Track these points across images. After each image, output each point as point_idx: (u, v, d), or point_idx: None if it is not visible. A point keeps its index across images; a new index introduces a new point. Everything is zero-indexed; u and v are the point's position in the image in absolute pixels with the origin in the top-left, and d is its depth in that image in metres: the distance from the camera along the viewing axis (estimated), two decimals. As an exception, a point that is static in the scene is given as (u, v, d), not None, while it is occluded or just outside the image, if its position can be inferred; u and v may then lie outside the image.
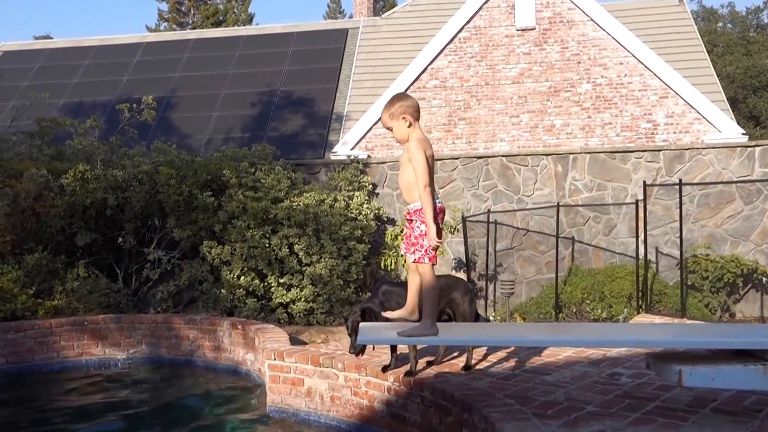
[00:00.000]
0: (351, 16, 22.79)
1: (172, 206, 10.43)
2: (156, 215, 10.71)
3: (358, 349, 5.46)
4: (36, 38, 30.67)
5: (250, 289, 9.84)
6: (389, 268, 10.37)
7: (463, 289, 5.89)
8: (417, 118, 4.41)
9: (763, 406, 4.24)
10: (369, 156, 12.29)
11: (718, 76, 15.43)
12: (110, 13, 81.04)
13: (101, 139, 11.86)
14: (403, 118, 4.37)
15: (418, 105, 4.45)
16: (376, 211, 11.02)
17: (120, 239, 10.61)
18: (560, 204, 10.64)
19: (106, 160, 11.17)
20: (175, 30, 35.76)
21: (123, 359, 9.03)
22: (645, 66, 13.53)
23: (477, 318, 6.02)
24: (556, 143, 13.27)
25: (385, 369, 5.68)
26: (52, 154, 11.44)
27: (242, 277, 9.85)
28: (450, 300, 5.77)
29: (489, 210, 11.11)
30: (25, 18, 75.97)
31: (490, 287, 11.09)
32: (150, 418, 6.86)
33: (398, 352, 5.77)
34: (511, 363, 5.87)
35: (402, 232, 10.35)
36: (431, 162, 4.49)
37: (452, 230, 10.40)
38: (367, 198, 10.98)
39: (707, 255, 10.43)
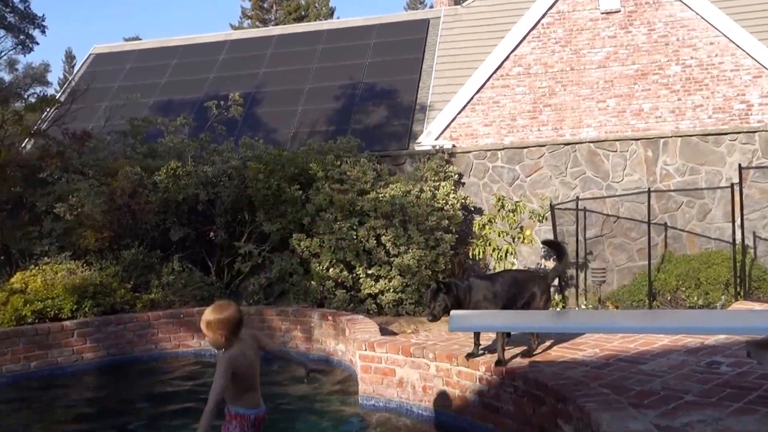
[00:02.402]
0: (431, 6, 22.68)
1: (261, 200, 10.67)
2: (245, 209, 10.99)
3: (437, 315, 5.53)
4: (125, 40, 31.80)
5: (339, 281, 9.97)
6: (477, 258, 10.31)
7: (542, 286, 5.97)
8: (234, 333, 3.98)
9: None
10: (454, 146, 12.23)
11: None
12: (195, 13, 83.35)
13: (191, 136, 12.22)
14: (220, 333, 3.93)
15: (236, 319, 3.99)
16: (463, 201, 10.98)
17: (211, 233, 10.94)
18: (651, 189, 10.34)
19: (196, 156, 11.52)
20: (258, 27, 36.48)
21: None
22: (737, 45, 12.92)
23: None
24: (644, 127, 12.86)
25: (468, 356, 5.73)
26: (145, 152, 11.87)
27: (331, 269, 9.99)
28: (531, 294, 5.84)
29: (577, 197, 10.90)
30: (114, 20, 79.03)
31: (581, 275, 10.89)
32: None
33: (482, 343, 5.80)
34: (606, 352, 5.76)
35: (490, 221, 10.32)
36: (244, 371, 4.01)
37: (540, 218, 10.26)
38: (453, 188, 10.94)
39: (811, 239, 9.95)
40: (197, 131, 12.62)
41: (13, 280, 9.40)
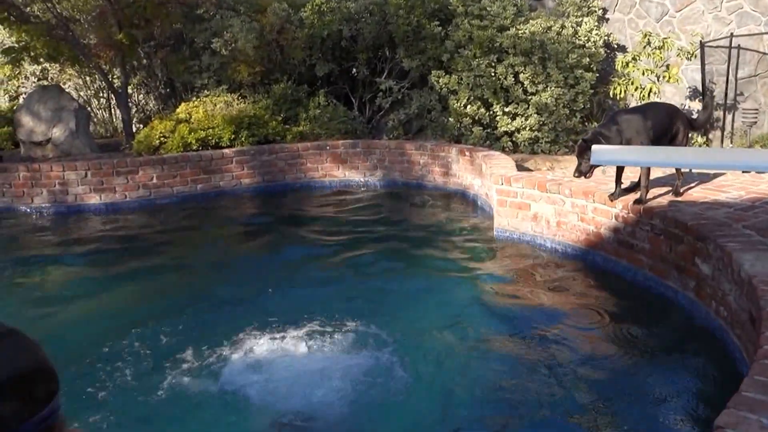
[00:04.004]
0: None
1: (402, 36, 10.75)
2: (386, 46, 11.12)
3: (584, 171, 5.57)
4: None
5: (476, 118, 10.10)
6: (618, 97, 10.08)
7: (686, 122, 5.88)
8: None
9: None
10: (599, -22, 11.62)
11: None
12: None
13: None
14: None
15: None
16: (606, 38, 10.59)
17: (354, 69, 11.23)
18: (818, 26, 9.55)
19: (341, -8, 11.59)
20: None
21: (361, 181, 9.89)
22: None
23: None
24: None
25: (611, 196, 5.81)
26: (293, -12, 12.04)
27: (469, 106, 10.11)
28: (677, 129, 5.74)
29: (732, 34, 10.24)
30: None
31: (728, 117, 10.46)
32: (394, 229, 7.58)
33: (624, 185, 5.84)
34: (752, 195, 5.71)
35: (634, 59, 9.97)
36: None
37: (689, 56, 9.79)
38: (596, 24, 10.54)
39: None
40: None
41: (178, 110, 10.19)
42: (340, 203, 9.06)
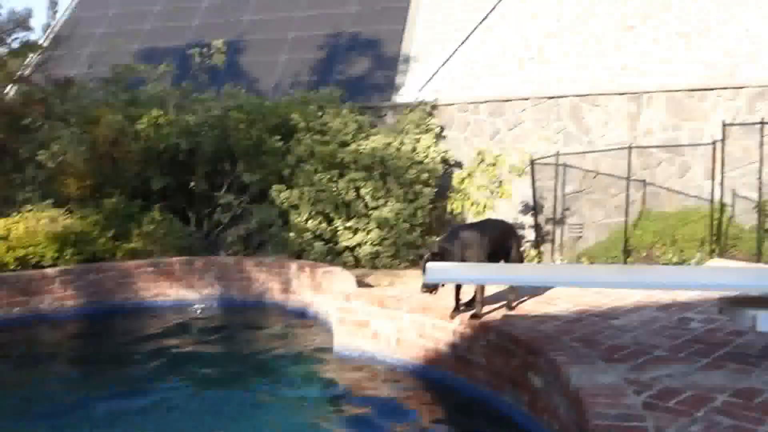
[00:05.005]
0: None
1: (242, 150, 10.61)
2: (226, 160, 10.92)
3: (429, 287, 5.50)
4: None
5: (318, 233, 9.98)
6: (455, 212, 10.32)
7: (518, 239, 6.15)
8: None
9: (840, 353, 4.12)
10: (437, 98, 12.13)
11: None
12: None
13: (173, 85, 12.04)
14: None
15: None
16: (443, 155, 10.95)
17: (192, 183, 10.88)
18: (632, 146, 10.33)
19: (179, 105, 11.36)
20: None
21: (197, 300, 9.35)
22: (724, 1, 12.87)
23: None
24: (630, 82, 12.81)
25: (453, 314, 5.75)
26: (127, 100, 11.70)
27: (310, 221, 9.99)
28: (509, 246, 5.91)
29: (558, 152, 10.89)
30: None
31: (557, 231, 10.95)
32: (222, 357, 7.13)
33: (462, 299, 5.81)
34: (579, 307, 5.84)
35: (469, 175, 10.30)
36: None
37: (520, 173, 10.25)
38: (434, 141, 10.89)
39: (787, 198, 10.01)
40: (180, 79, 12.43)
41: (-6, 227, 9.36)
42: (170, 325, 8.47)
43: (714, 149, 9.42)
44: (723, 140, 9.21)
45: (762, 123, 8.85)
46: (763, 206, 9.27)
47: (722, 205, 9.49)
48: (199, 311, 8.94)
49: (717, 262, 8.50)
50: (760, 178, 8.78)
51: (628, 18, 13.18)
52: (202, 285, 9.40)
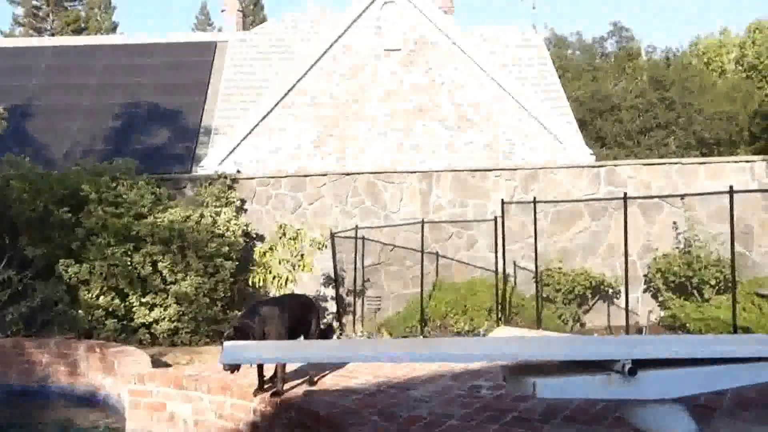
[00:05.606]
0: (220, 29, 22.36)
1: (25, 222, 9.88)
2: (7, 232, 10.11)
3: (231, 366, 5.34)
4: None
5: (110, 310, 9.46)
6: (257, 286, 10.26)
7: (317, 314, 6.17)
8: None
9: (609, 413, 4.56)
10: (238, 171, 12.13)
11: (569, 99, 16.40)
12: (-44, 13, 75.40)
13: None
14: None
15: None
16: (244, 228, 10.90)
17: (-34, 258, 9.93)
18: (425, 220, 10.95)
19: (-49, 173, 10.43)
20: (31, 36, 33.85)
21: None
22: (504, 90, 14.22)
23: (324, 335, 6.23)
24: (421, 161, 13.65)
25: (256, 392, 5.65)
26: None
27: (101, 297, 9.46)
28: (310, 321, 5.98)
29: (357, 226, 11.26)
30: None
31: (358, 302, 11.23)
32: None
33: (266, 375, 5.75)
34: (378, 379, 5.97)
35: (271, 249, 10.32)
36: None
37: (321, 246, 10.44)
38: (235, 214, 10.84)
39: (560, 269, 11.04)
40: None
41: None
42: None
43: (495, 224, 10.23)
44: (503, 216, 10.05)
45: (535, 201, 9.80)
46: (541, 276, 10.17)
47: (505, 276, 10.27)
48: None
49: (503, 330, 9.11)
50: (536, 251, 9.66)
51: (420, 104, 14.15)
52: (-26, 370, 8.48)
